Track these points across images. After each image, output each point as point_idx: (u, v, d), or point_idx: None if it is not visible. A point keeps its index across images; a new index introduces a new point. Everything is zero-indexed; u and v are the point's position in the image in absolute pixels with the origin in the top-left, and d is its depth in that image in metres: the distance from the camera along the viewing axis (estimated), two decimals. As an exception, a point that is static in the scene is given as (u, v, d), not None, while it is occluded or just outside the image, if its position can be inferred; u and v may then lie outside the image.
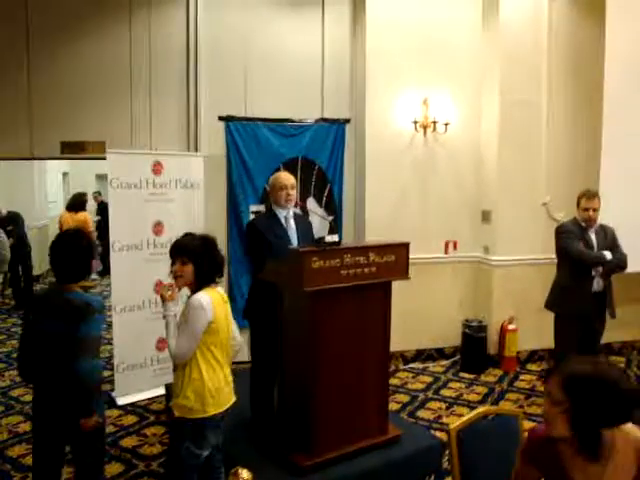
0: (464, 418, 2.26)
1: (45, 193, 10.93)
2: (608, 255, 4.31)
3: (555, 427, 1.70)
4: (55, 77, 5.12)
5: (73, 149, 5.20)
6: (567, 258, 4.42)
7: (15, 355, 5.90)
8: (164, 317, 2.71)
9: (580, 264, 4.33)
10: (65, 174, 13.07)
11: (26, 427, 4.25)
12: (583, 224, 4.42)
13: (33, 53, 5.07)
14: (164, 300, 2.70)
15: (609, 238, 4.47)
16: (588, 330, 4.47)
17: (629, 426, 1.70)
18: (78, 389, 2.51)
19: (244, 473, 1.93)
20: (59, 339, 2.50)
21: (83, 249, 2.68)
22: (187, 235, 2.82)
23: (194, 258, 2.70)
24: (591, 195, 4.39)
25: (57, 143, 5.16)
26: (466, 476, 2.15)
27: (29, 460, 3.73)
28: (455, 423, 2.22)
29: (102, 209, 8.33)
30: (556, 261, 4.64)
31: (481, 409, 2.37)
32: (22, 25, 5.02)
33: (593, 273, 4.36)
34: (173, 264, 2.71)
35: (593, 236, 4.43)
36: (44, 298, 2.75)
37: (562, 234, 4.44)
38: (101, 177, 12.79)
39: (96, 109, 5.18)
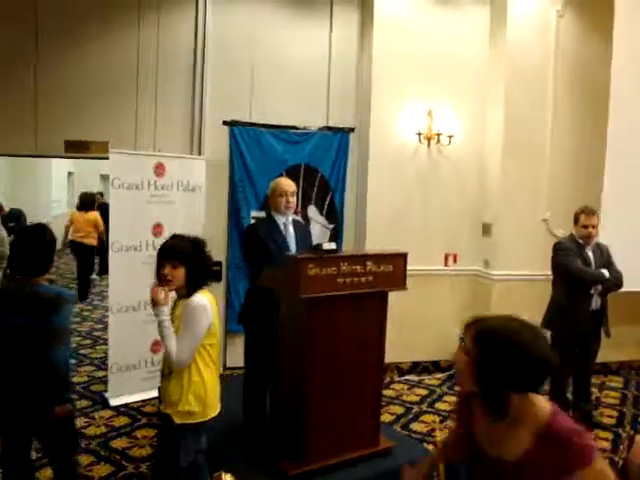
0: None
1: (49, 192, 10.97)
2: (606, 273, 4.29)
3: (463, 379, 1.70)
4: (62, 77, 5.14)
5: (77, 148, 5.21)
6: (564, 276, 4.37)
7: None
8: (159, 322, 2.58)
9: (579, 282, 4.29)
10: (70, 174, 13.14)
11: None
12: (580, 241, 4.38)
13: (41, 53, 5.09)
14: (157, 304, 2.56)
15: (605, 256, 4.44)
16: (584, 349, 4.44)
17: (539, 398, 1.67)
18: (53, 378, 2.59)
19: (227, 477, 1.91)
20: (31, 332, 2.54)
21: (46, 242, 2.72)
22: (175, 237, 2.71)
23: (185, 261, 2.62)
24: (590, 212, 4.35)
25: (61, 142, 5.17)
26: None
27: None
28: (444, 436, 2.20)
29: (102, 210, 8.32)
30: (552, 278, 4.60)
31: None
32: (31, 26, 5.05)
33: (592, 291, 4.32)
34: (161, 267, 2.59)
35: (590, 254, 4.39)
36: (9, 293, 2.73)
37: (560, 251, 4.39)
38: (105, 177, 12.84)
39: (101, 109, 5.20)
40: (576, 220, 4.39)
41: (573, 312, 4.32)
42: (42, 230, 2.78)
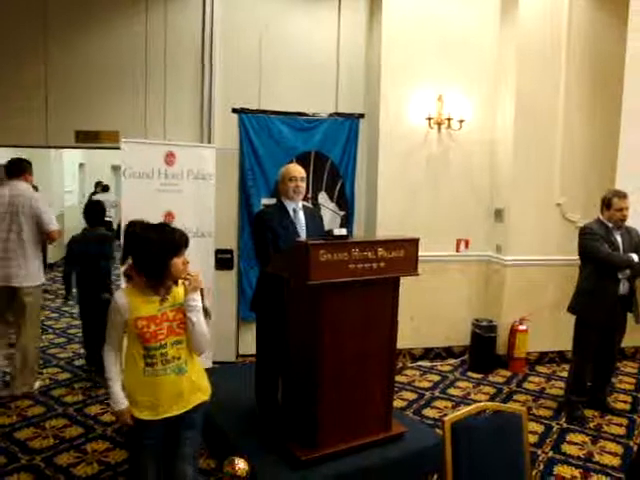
0: (460, 411, 2.22)
1: (62, 183, 11.03)
2: (635, 257, 4.21)
3: None
4: (71, 68, 5.16)
5: (87, 138, 5.24)
6: (591, 260, 4.31)
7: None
8: (198, 308, 2.51)
9: (606, 267, 4.24)
10: (81, 165, 13.19)
11: (34, 411, 4.30)
12: (610, 225, 4.32)
13: (50, 45, 5.11)
14: (196, 289, 2.51)
15: (634, 240, 4.37)
16: (609, 335, 4.41)
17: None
18: (104, 277, 4.91)
19: (240, 463, 1.92)
20: (97, 253, 4.89)
21: (100, 209, 5.17)
22: (170, 226, 2.60)
23: None
24: (623, 195, 4.29)
25: (72, 132, 5.21)
26: (457, 469, 2.12)
27: (36, 443, 3.78)
28: (450, 415, 2.19)
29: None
30: (572, 262, 4.55)
31: (479, 404, 2.33)
32: (40, 16, 5.07)
33: (620, 276, 4.27)
34: (180, 255, 2.50)
35: (619, 238, 4.32)
36: (86, 235, 5.03)
37: (588, 235, 4.32)
38: (116, 168, 12.90)
39: (111, 99, 5.22)
40: (608, 204, 4.31)
41: (600, 297, 4.28)
42: (97, 203, 5.36)
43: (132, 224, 2.55)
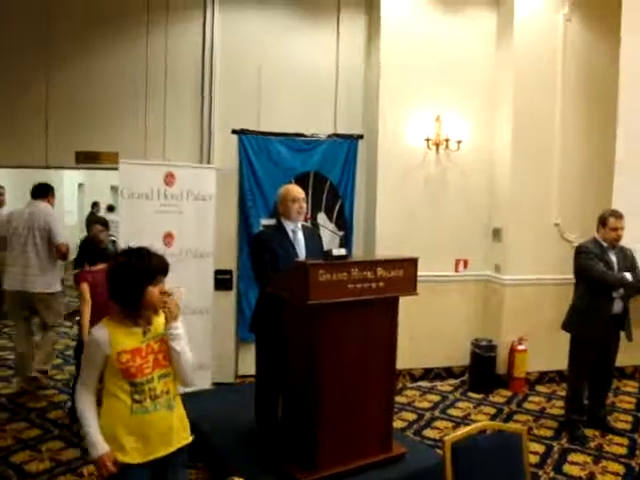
0: (461, 431, 2.21)
1: (61, 203, 11.06)
2: (629, 277, 4.25)
3: None
4: (72, 89, 5.21)
5: (87, 159, 5.26)
6: (586, 279, 4.35)
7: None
8: (180, 334, 2.37)
9: (600, 285, 4.27)
10: (80, 185, 13.24)
11: (30, 433, 4.26)
12: (604, 244, 4.36)
13: (52, 66, 5.17)
14: (177, 318, 2.35)
15: (628, 259, 4.42)
16: (604, 353, 4.42)
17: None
18: None
19: (239, 483, 1.91)
20: None
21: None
22: (148, 250, 2.40)
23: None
24: (619, 215, 4.34)
25: (72, 153, 5.23)
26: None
27: (32, 467, 3.76)
28: (450, 435, 2.18)
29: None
30: (570, 281, 4.58)
31: (480, 424, 2.33)
32: (42, 40, 5.13)
33: (614, 295, 4.30)
34: (158, 283, 2.34)
35: (614, 257, 4.36)
36: None
37: (582, 254, 4.37)
38: (116, 189, 12.90)
39: (111, 120, 5.26)
40: (604, 223, 4.36)
41: (594, 315, 4.31)
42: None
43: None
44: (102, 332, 2.28)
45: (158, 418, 2.31)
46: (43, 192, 5.18)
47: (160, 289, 2.32)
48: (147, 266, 2.30)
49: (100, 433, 2.24)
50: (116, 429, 2.25)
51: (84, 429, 2.27)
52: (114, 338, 2.26)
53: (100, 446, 2.23)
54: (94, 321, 3.93)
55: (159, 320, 2.38)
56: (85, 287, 4.24)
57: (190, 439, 2.47)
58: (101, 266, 4.31)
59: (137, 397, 2.27)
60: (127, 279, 2.27)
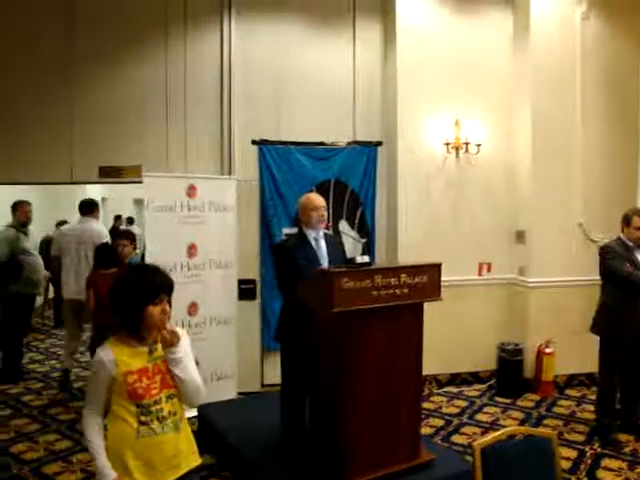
0: (490, 436, 2.19)
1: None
2: None
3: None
4: (95, 104, 5.30)
5: (111, 174, 5.35)
6: (613, 279, 4.30)
7: (53, 375, 6.04)
8: (181, 358, 2.25)
9: (627, 285, 4.21)
10: (104, 199, 13.44)
11: (61, 445, 4.33)
12: (630, 244, 4.31)
13: (75, 81, 5.27)
14: (173, 344, 2.24)
15: None
16: (635, 354, 4.36)
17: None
18: None
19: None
20: None
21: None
22: (158, 268, 2.35)
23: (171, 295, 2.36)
24: None
25: (96, 168, 5.32)
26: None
27: (64, 478, 3.82)
28: (479, 440, 2.16)
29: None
30: (597, 282, 4.52)
31: (510, 428, 2.31)
32: (65, 55, 5.24)
33: None
34: (160, 302, 2.24)
35: (639, 256, 4.32)
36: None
37: (607, 255, 4.33)
38: (138, 202, 13.10)
39: (133, 134, 5.34)
40: (628, 222, 4.31)
41: (622, 315, 4.26)
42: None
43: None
44: (107, 353, 2.21)
45: (165, 440, 2.24)
46: (90, 209, 5.90)
47: (162, 309, 2.23)
48: (148, 284, 2.22)
49: (107, 458, 2.19)
50: (122, 453, 2.19)
51: (91, 454, 2.22)
52: (120, 358, 2.20)
53: (107, 472, 2.16)
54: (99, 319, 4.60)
55: None
56: (91, 294, 4.83)
57: (200, 461, 2.41)
58: (112, 270, 4.72)
59: (144, 419, 2.20)
60: (127, 297, 2.22)
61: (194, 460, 2.37)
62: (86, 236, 5.69)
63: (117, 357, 2.20)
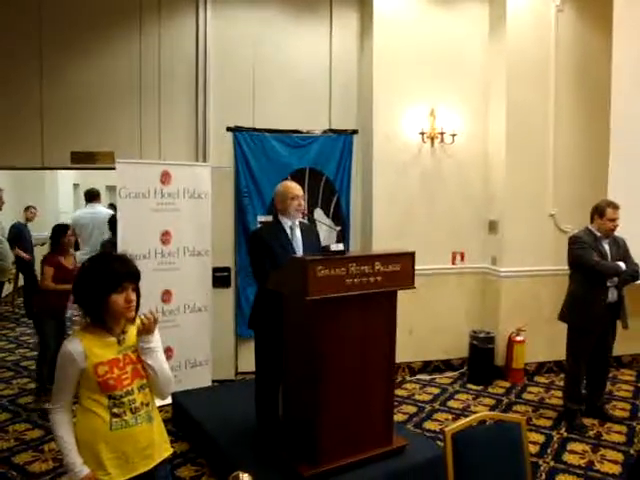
0: (460, 422, 2.24)
1: (56, 203, 11.05)
2: (623, 265, 4.31)
3: None
4: (67, 90, 5.19)
5: (83, 159, 5.26)
6: (581, 269, 4.40)
7: (23, 364, 5.96)
8: (153, 348, 2.24)
9: (595, 275, 4.31)
10: (76, 185, 13.21)
11: (33, 434, 4.29)
12: (598, 234, 4.41)
13: (45, 68, 5.14)
14: (150, 332, 2.22)
15: (621, 249, 4.46)
16: (601, 342, 4.47)
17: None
18: None
19: (245, 477, 1.92)
20: None
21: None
22: (121, 256, 2.32)
23: (138, 283, 2.28)
24: (616, 206, 4.38)
25: (67, 154, 5.23)
26: (459, 479, 2.14)
27: (35, 467, 3.78)
28: (450, 426, 2.21)
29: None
30: (567, 272, 4.62)
31: (480, 414, 2.36)
32: (35, 41, 5.10)
33: (608, 284, 4.34)
34: (123, 291, 2.17)
35: (607, 247, 4.42)
36: None
37: (575, 244, 4.42)
38: (111, 188, 12.91)
39: (106, 120, 5.25)
40: (601, 214, 4.40)
41: (589, 304, 4.36)
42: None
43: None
44: (75, 344, 2.13)
45: (139, 431, 2.20)
46: (94, 196, 7.15)
47: (127, 297, 2.16)
48: (110, 273, 2.15)
49: (79, 454, 2.13)
50: (95, 447, 2.13)
51: (62, 450, 2.15)
52: (89, 350, 2.13)
53: (79, 468, 2.11)
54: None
55: (134, 329, 2.24)
56: (49, 271, 4.82)
57: (171, 451, 2.39)
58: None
59: (116, 411, 2.15)
60: (89, 286, 2.16)
61: (166, 449, 2.35)
62: (97, 217, 6.81)
63: (86, 348, 2.13)
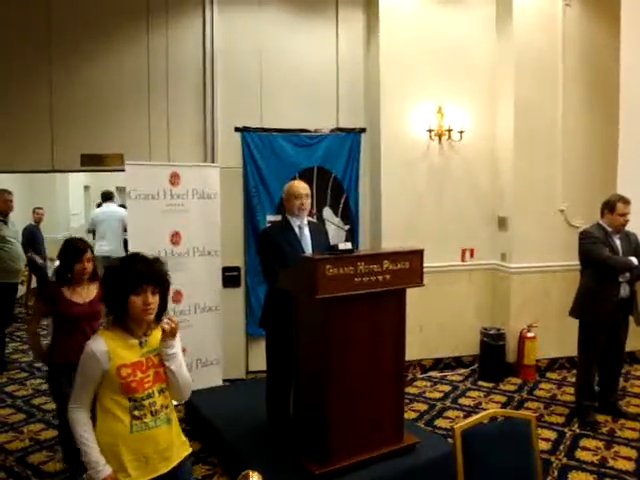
0: (470, 419, 2.24)
1: (67, 206, 11.12)
2: (635, 261, 4.27)
3: None
4: (76, 93, 5.22)
5: (93, 162, 5.29)
6: (592, 264, 4.37)
7: (37, 365, 6.02)
8: (176, 354, 2.25)
9: (606, 270, 4.28)
10: (86, 187, 13.29)
11: (47, 434, 4.33)
12: (609, 229, 4.38)
13: (54, 71, 5.18)
14: (173, 337, 2.23)
15: (633, 244, 4.43)
16: (613, 337, 4.44)
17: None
18: None
19: (255, 476, 1.93)
20: None
21: None
22: (148, 258, 2.27)
23: (164, 286, 2.27)
24: (627, 200, 4.35)
25: (77, 156, 5.26)
26: (470, 476, 2.14)
27: (50, 467, 3.82)
28: (460, 423, 2.21)
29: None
30: (577, 267, 4.60)
31: (489, 411, 2.35)
32: (44, 44, 5.14)
33: (620, 279, 4.31)
34: (142, 292, 2.16)
35: (618, 242, 4.38)
36: None
37: (586, 239, 4.40)
38: (121, 190, 13.00)
39: (115, 122, 5.28)
40: (611, 209, 4.37)
41: (601, 300, 4.33)
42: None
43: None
44: (100, 344, 2.14)
45: (159, 433, 2.22)
46: (110, 196, 8.52)
47: (144, 299, 2.15)
48: (129, 273, 2.15)
49: (101, 454, 2.13)
50: (115, 449, 2.14)
51: (83, 450, 2.14)
52: (113, 351, 2.14)
53: (104, 468, 2.11)
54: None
55: (157, 333, 2.24)
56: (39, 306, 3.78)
57: (190, 450, 2.40)
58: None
59: (137, 413, 2.16)
60: (112, 285, 2.18)
61: (185, 449, 2.36)
62: (111, 215, 8.17)
63: (110, 349, 2.13)
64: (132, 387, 2.14)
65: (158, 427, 2.21)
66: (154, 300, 2.19)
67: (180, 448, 2.34)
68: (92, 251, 3.57)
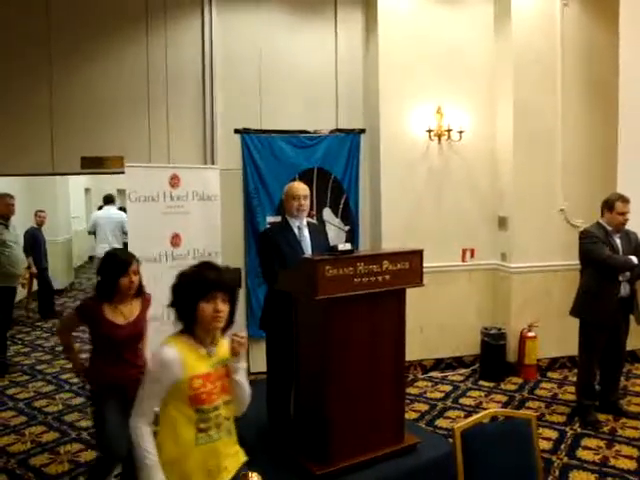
0: (470, 419, 2.24)
1: (68, 208, 11.15)
2: (635, 260, 4.27)
3: None
4: (76, 95, 5.24)
5: (93, 164, 5.30)
6: (592, 264, 4.36)
7: (39, 367, 6.03)
8: (241, 368, 2.22)
9: (607, 269, 4.28)
10: (87, 190, 13.33)
11: (49, 437, 4.34)
12: (609, 228, 4.38)
13: (54, 73, 5.19)
14: (243, 351, 2.19)
15: (633, 243, 4.43)
16: (614, 337, 4.43)
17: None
18: None
19: (255, 477, 1.94)
20: None
21: None
22: (220, 266, 2.24)
23: (234, 295, 2.22)
24: (626, 199, 4.35)
25: (77, 158, 5.27)
26: (470, 476, 2.14)
27: (51, 469, 3.83)
28: (460, 423, 2.21)
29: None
30: (578, 267, 4.60)
31: (489, 411, 2.36)
32: (44, 46, 5.15)
33: (620, 278, 4.31)
34: (212, 300, 2.11)
35: (618, 241, 4.38)
36: None
37: (586, 239, 4.40)
38: (122, 192, 13.02)
39: (115, 125, 5.29)
40: (610, 207, 4.37)
41: (602, 299, 4.33)
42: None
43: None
44: (172, 352, 2.06)
45: (221, 445, 2.16)
46: (111, 200, 8.84)
47: (215, 307, 2.09)
48: (200, 279, 2.11)
49: (161, 469, 2.05)
50: (182, 462, 2.08)
51: (148, 467, 2.04)
52: (185, 360, 2.07)
53: None
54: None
55: (224, 344, 2.20)
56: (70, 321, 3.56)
57: (245, 458, 2.32)
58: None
59: (203, 426, 2.09)
60: (182, 291, 2.14)
61: (241, 458, 2.31)
62: (112, 217, 8.42)
63: (183, 358, 2.07)
64: (202, 399, 2.08)
65: (221, 439, 2.16)
66: (224, 308, 2.13)
67: (237, 457, 2.29)
68: (138, 261, 3.20)
